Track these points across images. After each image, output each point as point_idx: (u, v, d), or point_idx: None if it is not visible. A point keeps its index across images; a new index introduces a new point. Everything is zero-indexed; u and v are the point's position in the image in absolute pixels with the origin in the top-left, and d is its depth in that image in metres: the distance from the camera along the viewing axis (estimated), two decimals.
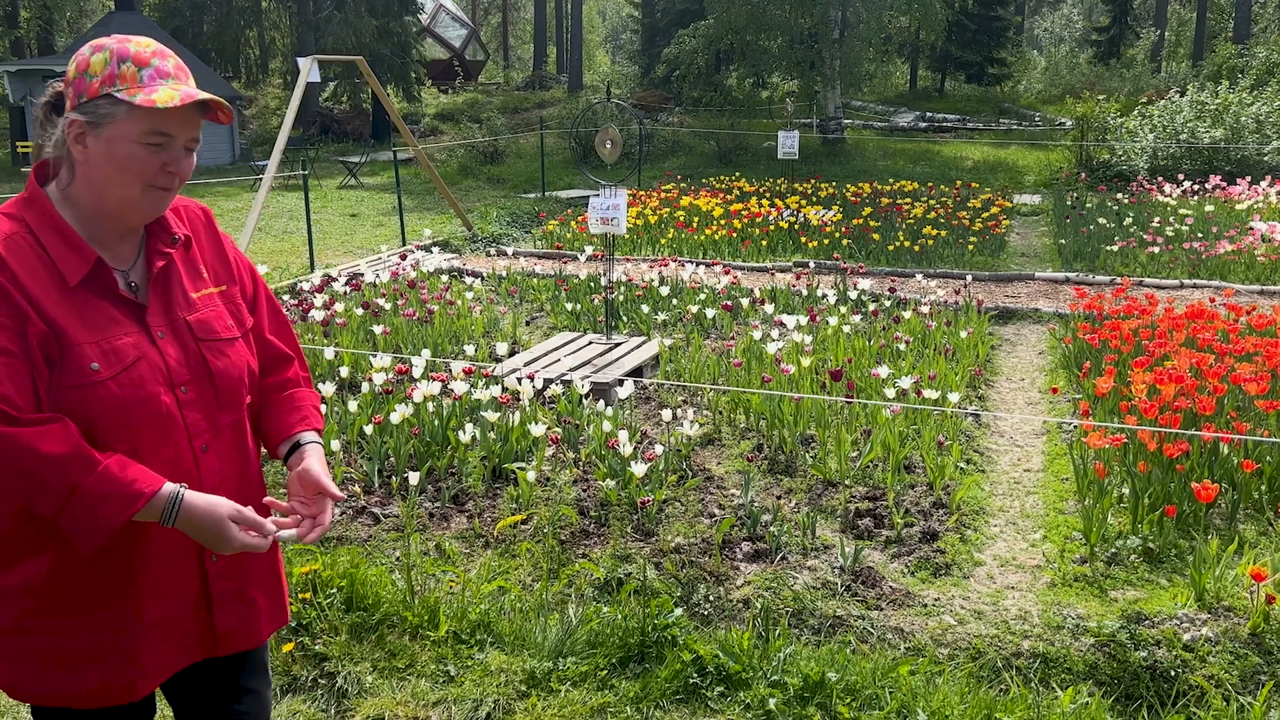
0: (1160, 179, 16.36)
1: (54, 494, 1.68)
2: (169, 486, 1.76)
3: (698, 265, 10.46)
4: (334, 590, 3.79)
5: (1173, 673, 3.47)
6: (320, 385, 5.67)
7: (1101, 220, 12.93)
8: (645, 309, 8.41)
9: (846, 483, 5.16)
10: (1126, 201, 14.58)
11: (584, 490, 5.00)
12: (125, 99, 1.77)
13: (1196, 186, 15.35)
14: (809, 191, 16.34)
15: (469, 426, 5.22)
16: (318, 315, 7.61)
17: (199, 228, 2.03)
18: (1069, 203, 14.90)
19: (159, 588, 1.88)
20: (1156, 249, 11.08)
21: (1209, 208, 13.33)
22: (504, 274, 10.41)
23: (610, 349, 7.18)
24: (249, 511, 1.84)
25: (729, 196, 15.57)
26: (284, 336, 2.17)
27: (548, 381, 6.31)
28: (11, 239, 1.76)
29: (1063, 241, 12.29)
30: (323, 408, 2.14)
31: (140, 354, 1.81)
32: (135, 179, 1.80)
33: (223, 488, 1.90)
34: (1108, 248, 11.45)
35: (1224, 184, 15.17)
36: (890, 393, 5.70)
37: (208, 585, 1.95)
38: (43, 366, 1.72)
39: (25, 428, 1.66)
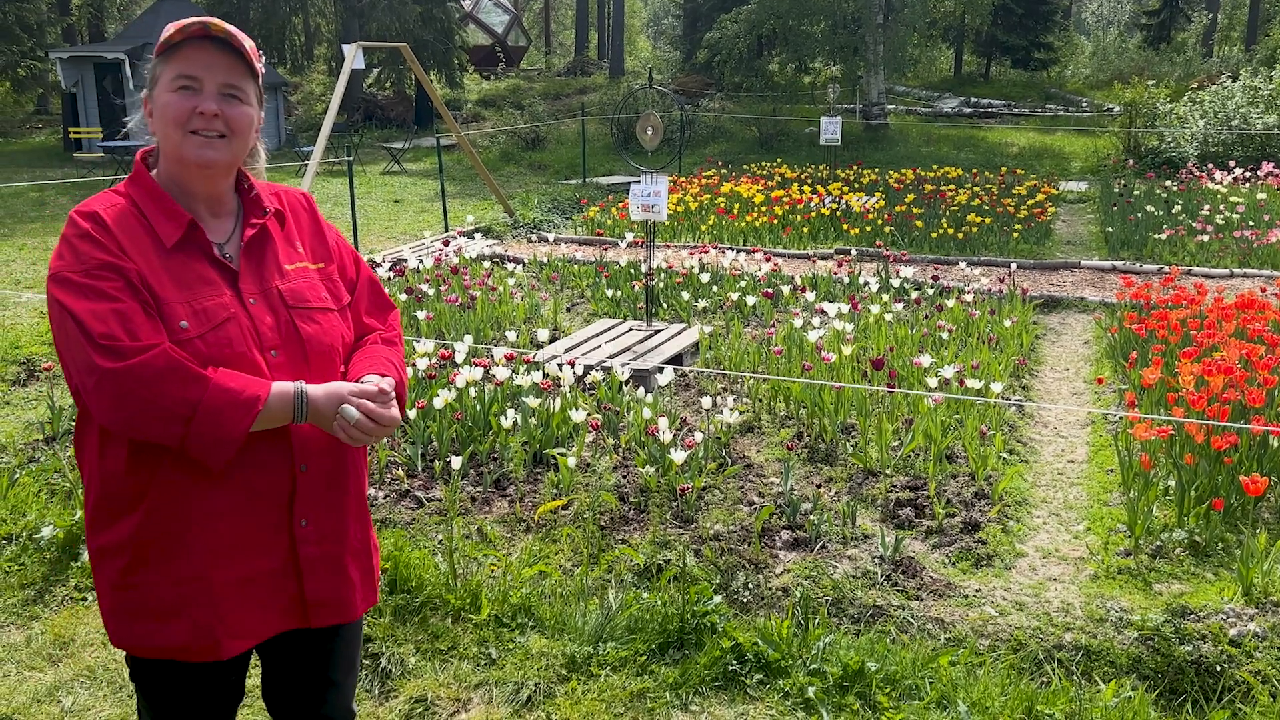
0: (1211, 166, 16.06)
1: (176, 417, 1.76)
2: (284, 385, 1.87)
3: (738, 252, 10.44)
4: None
5: (1218, 668, 3.43)
6: None
7: (1149, 208, 12.72)
8: (685, 296, 8.41)
9: (887, 472, 5.14)
10: (1175, 189, 14.33)
11: (624, 477, 5.02)
12: (159, 55, 1.92)
13: (1248, 174, 15.05)
14: (851, 178, 16.22)
15: (510, 412, 5.26)
16: None
17: (299, 210, 2.14)
18: (1116, 190, 14.68)
19: (239, 544, 1.93)
20: (1206, 237, 10.89)
21: (1261, 195, 13.07)
22: (545, 260, 10.44)
23: (650, 336, 7.19)
24: (365, 387, 1.94)
25: (770, 183, 15.49)
26: (383, 319, 2.23)
27: (588, 368, 6.34)
28: (114, 207, 1.89)
29: (1109, 229, 12.11)
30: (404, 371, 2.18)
31: (230, 315, 1.89)
32: (174, 127, 1.89)
33: (312, 450, 1.97)
34: (1156, 236, 11.27)
35: (1277, 171, 14.85)
36: (932, 382, 5.66)
37: (296, 550, 1.98)
38: (154, 311, 1.83)
39: (131, 359, 1.75)
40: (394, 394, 1.99)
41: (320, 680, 2.17)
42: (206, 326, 1.85)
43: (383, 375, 2.04)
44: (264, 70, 2.01)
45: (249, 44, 1.95)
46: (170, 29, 1.90)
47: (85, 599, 3.98)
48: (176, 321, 1.83)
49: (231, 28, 1.92)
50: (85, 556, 4.14)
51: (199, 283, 1.89)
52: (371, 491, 4.86)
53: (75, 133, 21.82)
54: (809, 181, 15.86)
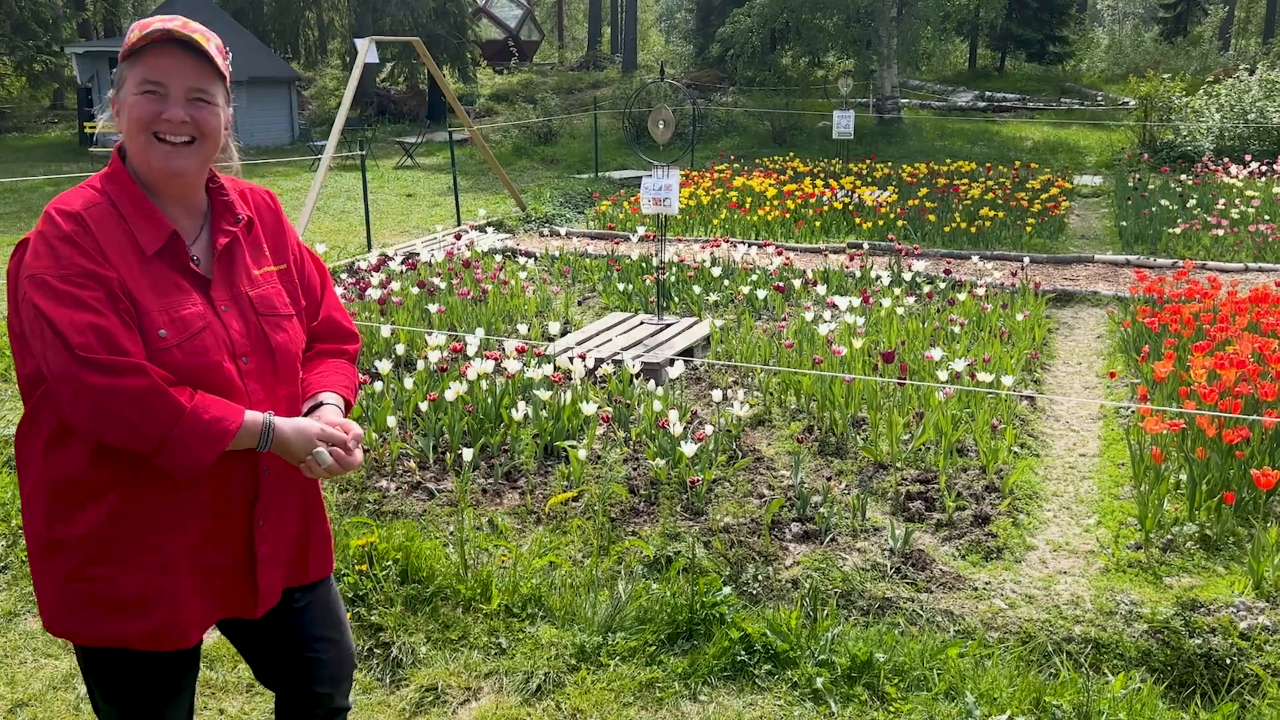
0: (1226, 160, 15.96)
1: (148, 438, 1.78)
2: (255, 415, 1.88)
3: (750, 246, 10.43)
4: (389, 563, 3.86)
5: (1228, 661, 3.43)
6: (376, 362, 5.77)
7: (1164, 202, 12.66)
8: (697, 290, 8.42)
9: (898, 465, 5.14)
10: (1191, 183, 14.26)
11: (634, 469, 5.04)
12: (125, 59, 1.88)
13: (1264, 168, 14.95)
14: (864, 172, 16.18)
15: (522, 404, 5.28)
16: (374, 294, 7.73)
17: (264, 211, 2.12)
18: (1131, 184, 14.61)
19: (202, 541, 1.97)
20: (1221, 231, 10.83)
21: (1277, 189, 12.99)
22: (557, 254, 10.46)
23: (661, 329, 7.20)
24: (333, 430, 1.96)
25: (783, 177, 15.47)
26: (346, 315, 2.26)
27: (599, 361, 6.35)
28: (96, 207, 1.86)
29: (1124, 223, 12.06)
30: (358, 391, 2.22)
31: (205, 324, 1.90)
32: (138, 130, 1.87)
33: (275, 454, 1.98)
34: (1170, 230, 11.22)
35: None
36: (943, 375, 5.65)
37: (253, 546, 2.03)
38: (132, 322, 1.82)
39: (113, 377, 1.75)
40: (359, 436, 2.03)
41: (304, 639, 2.21)
42: (183, 335, 1.85)
43: (342, 396, 2.10)
44: (230, 68, 1.98)
45: (215, 44, 1.92)
46: (134, 32, 1.87)
47: None
48: (155, 330, 1.82)
49: (197, 29, 1.88)
50: None
51: (174, 290, 1.88)
52: (384, 483, 4.89)
53: (90, 126, 21.92)
54: (821, 175, 15.83)
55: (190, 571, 1.95)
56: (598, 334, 7.13)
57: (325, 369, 2.14)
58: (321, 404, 2.07)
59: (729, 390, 6.20)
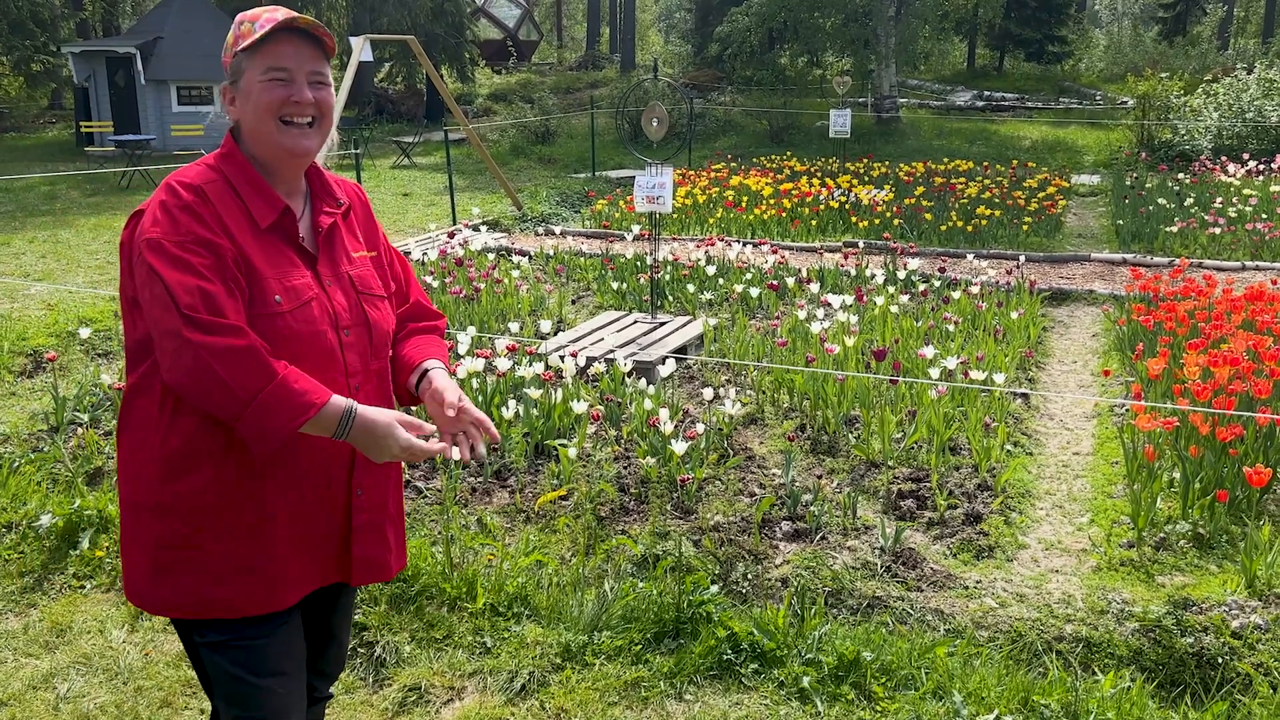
0: (1224, 158, 15.93)
1: (236, 399, 1.84)
2: (341, 400, 1.93)
3: (745, 245, 10.40)
4: None
5: (1219, 660, 3.40)
6: None
7: (1161, 201, 12.63)
8: (691, 288, 8.38)
9: (890, 464, 5.11)
10: (1188, 181, 14.22)
11: (625, 468, 5.00)
12: (244, 50, 2.00)
13: (1262, 166, 14.92)
14: (861, 171, 16.14)
15: (512, 403, 5.24)
16: None
17: (355, 202, 2.25)
18: (1128, 183, 14.57)
19: (303, 509, 2.04)
20: (1218, 230, 10.80)
21: (1275, 188, 12.96)
22: (551, 253, 10.43)
23: (655, 328, 7.17)
24: (412, 418, 2.03)
25: (779, 176, 15.43)
26: (429, 300, 2.40)
27: (591, 359, 6.32)
28: (214, 184, 1.99)
29: (1120, 222, 12.03)
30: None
31: (314, 295, 2.01)
32: (267, 115, 1.99)
33: None
34: (1167, 229, 11.19)
35: None
36: (935, 373, 5.61)
37: (350, 516, 2.11)
38: (240, 292, 1.91)
39: (214, 336, 1.83)
40: (487, 422, 2.17)
41: (326, 637, 2.30)
42: (296, 303, 1.97)
43: (442, 363, 2.23)
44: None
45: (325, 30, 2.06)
46: (248, 24, 2.00)
47: (84, 587, 3.99)
48: (271, 296, 1.93)
49: (305, 16, 2.01)
50: (85, 545, 4.14)
51: (286, 263, 2.00)
52: None
53: (86, 126, 21.87)
54: (818, 174, 15.79)
55: (288, 539, 2.02)
56: (591, 332, 7.10)
57: (423, 342, 2.28)
58: (427, 370, 2.19)
59: (721, 389, 6.17)
